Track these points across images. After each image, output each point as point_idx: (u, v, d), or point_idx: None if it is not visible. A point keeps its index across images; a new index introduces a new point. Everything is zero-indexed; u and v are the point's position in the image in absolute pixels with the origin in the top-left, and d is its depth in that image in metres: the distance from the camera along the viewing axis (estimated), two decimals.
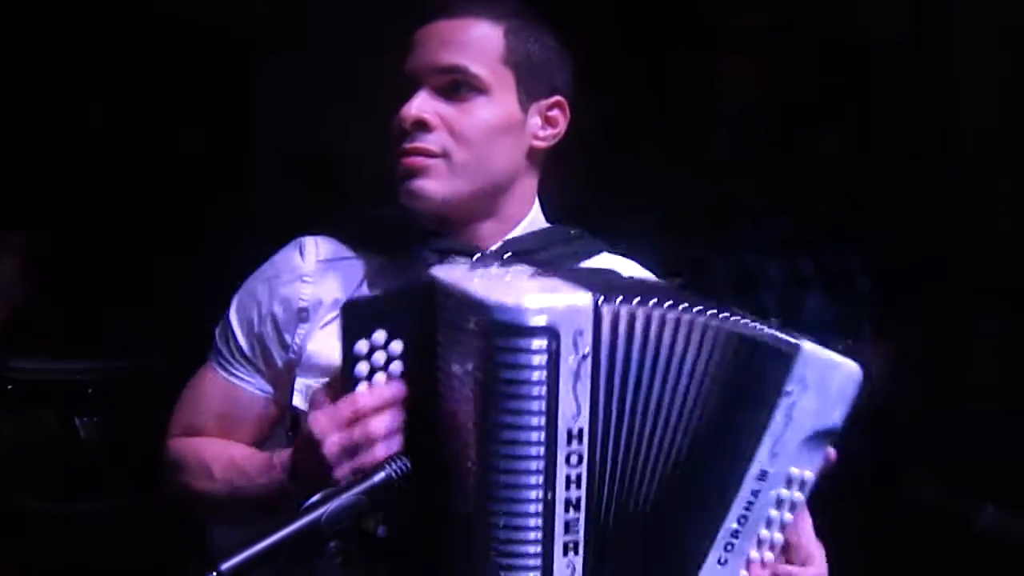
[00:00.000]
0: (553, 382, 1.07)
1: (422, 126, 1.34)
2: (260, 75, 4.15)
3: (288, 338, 1.43)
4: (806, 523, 1.30)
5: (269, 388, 1.47)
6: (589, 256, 1.50)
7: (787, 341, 1.16)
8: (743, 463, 1.18)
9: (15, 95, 3.48)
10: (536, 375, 1.06)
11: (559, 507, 1.10)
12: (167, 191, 3.86)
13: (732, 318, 1.15)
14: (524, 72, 1.38)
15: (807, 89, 3.26)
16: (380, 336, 1.21)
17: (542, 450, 1.08)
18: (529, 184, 1.46)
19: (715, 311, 1.15)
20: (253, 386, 1.47)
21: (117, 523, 3.16)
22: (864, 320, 2.75)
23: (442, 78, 1.35)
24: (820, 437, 1.20)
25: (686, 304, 1.14)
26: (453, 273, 1.24)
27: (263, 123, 4.16)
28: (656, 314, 1.12)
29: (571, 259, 1.47)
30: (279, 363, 1.44)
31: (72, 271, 3.66)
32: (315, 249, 1.45)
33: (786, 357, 1.15)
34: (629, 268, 1.53)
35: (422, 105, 1.34)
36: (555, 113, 1.43)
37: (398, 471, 1.14)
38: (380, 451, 1.16)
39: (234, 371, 1.48)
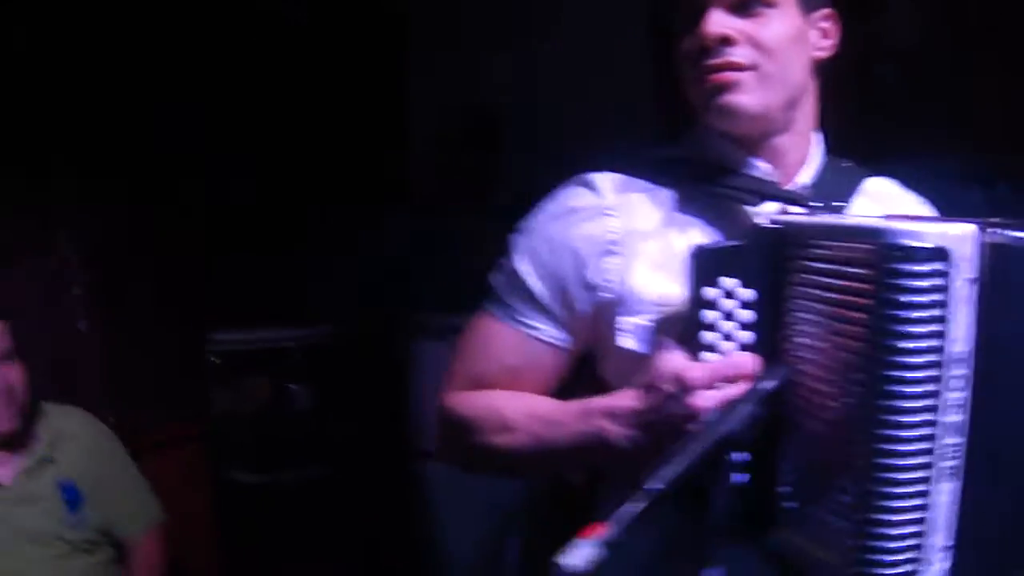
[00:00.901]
0: (944, 305, 1.09)
1: (725, 41, 1.34)
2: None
3: (594, 277, 1.40)
4: None
5: (564, 335, 1.44)
6: (862, 183, 1.50)
7: None
8: None
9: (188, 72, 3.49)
10: (930, 298, 1.08)
11: (945, 432, 1.12)
12: (353, 162, 3.89)
13: None
14: None
15: None
16: (730, 283, 1.26)
17: (932, 373, 1.10)
18: (812, 97, 1.45)
19: None
20: (547, 334, 1.44)
21: (329, 489, 3.23)
22: None
23: None
24: None
25: None
26: (794, 219, 1.29)
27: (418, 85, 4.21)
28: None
29: (855, 187, 1.48)
30: (583, 305, 1.41)
31: (272, 243, 3.69)
32: (608, 183, 1.43)
33: None
34: (897, 192, 1.56)
35: (721, 21, 1.34)
36: (828, 25, 1.43)
37: (783, 379, 1.19)
38: None
39: (526, 320, 1.45)
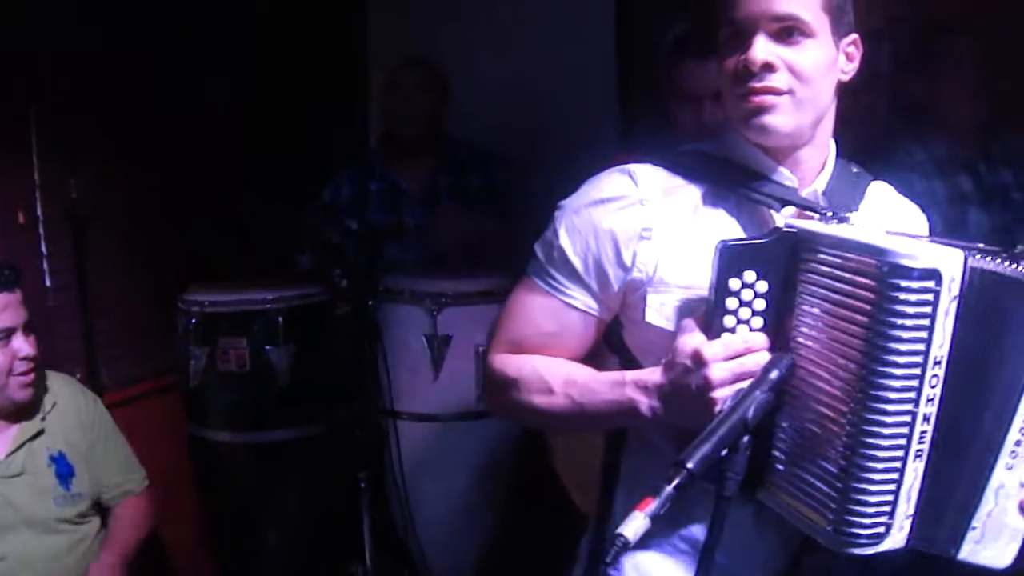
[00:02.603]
0: (932, 317, 1.32)
1: (768, 68, 1.49)
2: None
3: (628, 257, 1.56)
4: None
5: (598, 306, 1.61)
6: (867, 188, 1.70)
7: None
8: None
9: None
10: (922, 309, 1.31)
11: (919, 421, 1.35)
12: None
13: None
14: (835, 15, 1.53)
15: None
16: (749, 276, 1.46)
17: (916, 371, 1.33)
18: (832, 113, 1.60)
19: None
20: (583, 303, 1.61)
21: (305, 449, 3.31)
22: (1018, 232, 2.83)
23: (776, 24, 1.49)
24: None
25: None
26: (812, 225, 1.49)
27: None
28: (998, 269, 1.36)
29: (862, 192, 1.68)
30: (615, 282, 1.58)
31: (255, 207, 3.75)
32: (647, 176, 1.58)
33: None
34: (893, 196, 1.77)
35: (766, 48, 1.49)
36: (852, 49, 1.58)
37: (789, 367, 1.40)
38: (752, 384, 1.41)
39: (564, 289, 1.61)
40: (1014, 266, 1.37)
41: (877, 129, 3.19)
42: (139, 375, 3.49)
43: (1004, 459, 1.44)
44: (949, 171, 2.90)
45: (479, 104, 3.90)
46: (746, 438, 1.34)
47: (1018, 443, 1.43)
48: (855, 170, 1.70)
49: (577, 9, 4.01)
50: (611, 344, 1.68)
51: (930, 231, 1.79)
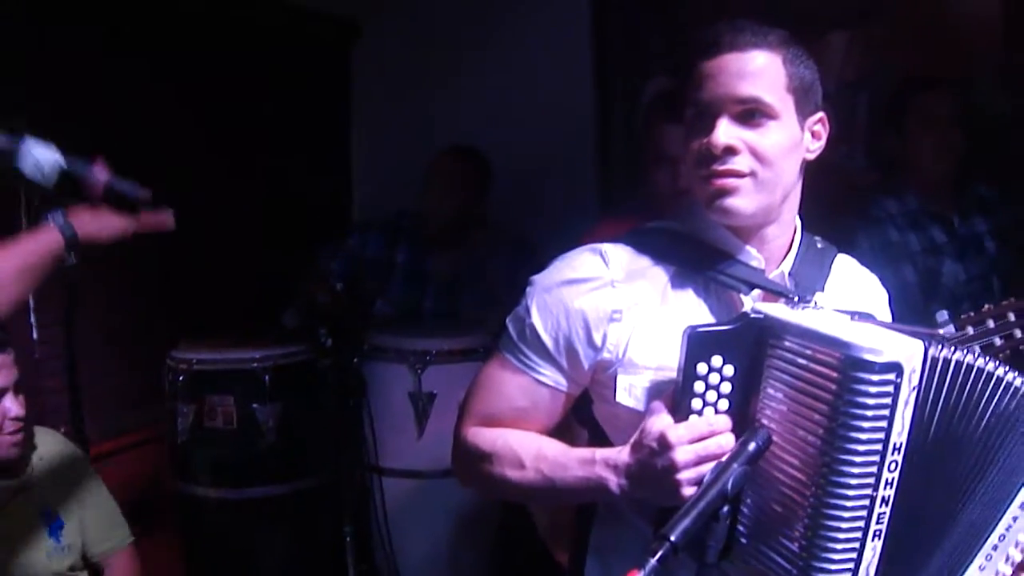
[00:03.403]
0: (892, 407, 1.36)
1: (731, 151, 1.53)
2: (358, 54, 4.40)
3: (599, 338, 1.59)
4: None
5: (568, 383, 1.65)
6: (832, 263, 1.73)
7: None
8: (1012, 490, 1.49)
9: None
10: (882, 400, 1.36)
11: (877, 503, 1.39)
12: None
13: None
14: (800, 95, 1.56)
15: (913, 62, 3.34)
16: (716, 360, 1.50)
17: (875, 458, 1.38)
18: (797, 190, 1.64)
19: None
20: (553, 380, 1.64)
21: (292, 505, 3.34)
22: (993, 279, 2.90)
23: (739, 107, 1.53)
24: None
25: (988, 356, 1.44)
26: (779, 311, 1.53)
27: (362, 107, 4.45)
28: (966, 361, 1.42)
29: (827, 270, 1.71)
30: (585, 361, 1.62)
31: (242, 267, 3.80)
32: (618, 258, 1.62)
33: None
34: (856, 269, 1.81)
35: (728, 131, 1.53)
36: (819, 128, 1.62)
37: (766, 441, 1.43)
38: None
39: (535, 366, 1.65)
40: (973, 354, 1.43)
41: (852, 182, 3.25)
42: (123, 428, 3.50)
43: (979, 560, 1.51)
44: (923, 224, 2.95)
45: None
46: (725, 508, 1.38)
47: (995, 547, 1.51)
48: (820, 245, 1.73)
49: (558, 69, 4.06)
50: (581, 418, 1.73)
51: (890, 300, 1.84)
